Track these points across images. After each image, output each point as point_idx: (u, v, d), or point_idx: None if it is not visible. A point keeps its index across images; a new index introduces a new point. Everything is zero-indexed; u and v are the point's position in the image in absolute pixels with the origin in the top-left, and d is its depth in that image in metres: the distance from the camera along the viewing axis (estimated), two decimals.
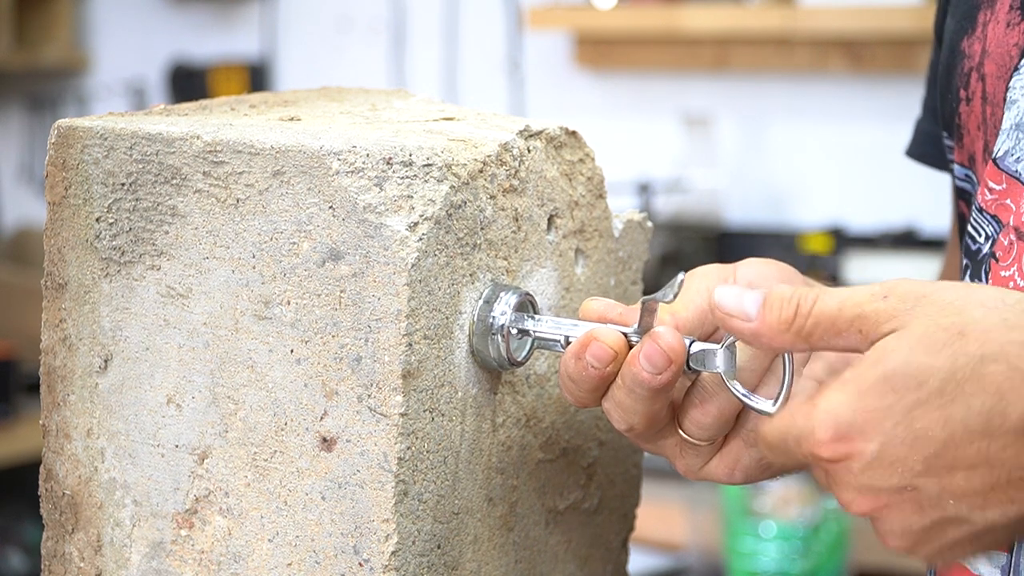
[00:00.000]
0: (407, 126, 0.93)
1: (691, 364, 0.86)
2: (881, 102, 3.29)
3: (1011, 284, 0.93)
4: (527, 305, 0.91)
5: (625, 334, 0.87)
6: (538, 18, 3.54)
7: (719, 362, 0.85)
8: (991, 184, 0.95)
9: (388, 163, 0.86)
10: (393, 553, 0.86)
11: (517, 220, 0.93)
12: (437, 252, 0.87)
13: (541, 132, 0.95)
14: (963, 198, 1.03)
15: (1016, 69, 0.95)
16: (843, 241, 3.25)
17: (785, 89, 3.45)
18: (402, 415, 0.86)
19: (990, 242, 0.95)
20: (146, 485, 0.93)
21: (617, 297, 1.02)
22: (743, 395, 0.85)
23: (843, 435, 0.78)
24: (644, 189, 3.32)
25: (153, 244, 0.92)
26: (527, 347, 0.91)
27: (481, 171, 0.89)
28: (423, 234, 0.86)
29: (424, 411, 0.87)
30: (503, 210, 0.91)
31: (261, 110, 0.99)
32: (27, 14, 4.22)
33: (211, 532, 0.91)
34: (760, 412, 0.84)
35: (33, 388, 3.35)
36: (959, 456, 0.77)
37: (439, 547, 0.89)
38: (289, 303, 0.88)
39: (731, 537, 2.64)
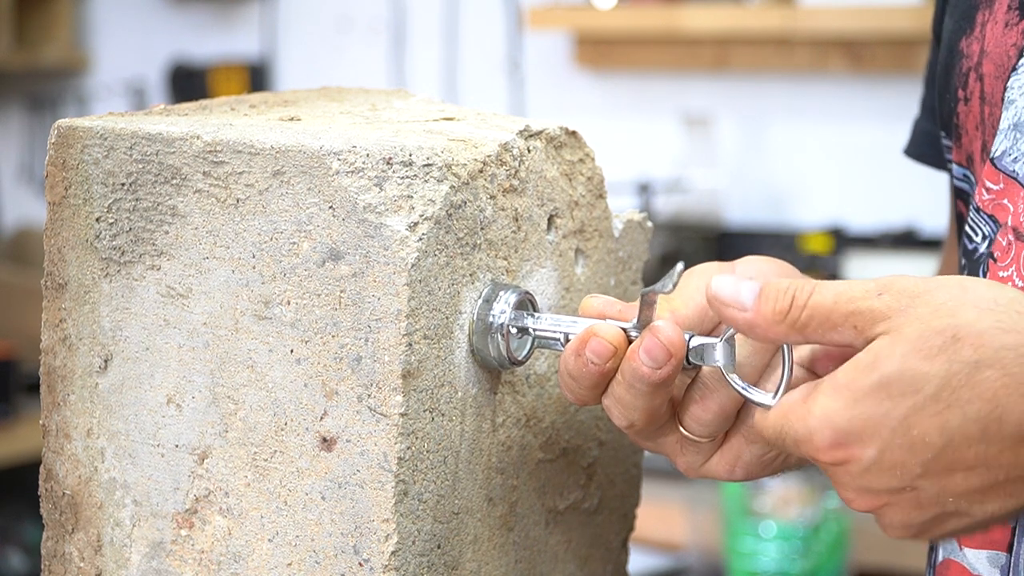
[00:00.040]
0: (407, 126, 0.93)
1: (690, 359, 0.86)
2: (881, 102, 3.29)
3: (1009, 284, 0.93)
4: (527, 304, 0.91)
5: (624, 329, 0.87)
6: (538, 18, 3.54)
7: (718, 356, 0.85)
8: (988, 184, 0.95)
9: (388, 163, 0.86)
10: (393, 553, 0.86)
11: (517, 220, 0.93)
12: (437, 252, 0.87)
13: (541, 132, 0.95)
14: (961, 198, 1.03)
15: (1014, 69, 0.95)
16: (843, 241, 3.25)
17: (785, 89, 3.45)
18: (402, 415, 0.86)
19: (987, 242, 0.95)
20: (146, 485, 0.93)
21: (617, 297, 1.02)
22: (742, 388, 0.85)
23: (840, 442, 0.78)
24: (644, 189, 3.32)
25: (153, 244, 0.92)
26: (527, 346, 0.91)
27: (481, 171, 0.89)
28: (423, 234, 0.86)
29: (424, 411, 0.87)
30: (503, 210, 0.91)
31: (261, 110, 0.99)
32: (27, 14, 4.22)
33: (211, 532, 0.92)
34: (760, 405, 0.84)
35: (33, 388, 3.36)
36: (957, 459, 0.77)
37: (439, 547, 0.89)
38: (289, 303, 0.88)
39: (731, 537, 2.64)
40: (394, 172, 0.86)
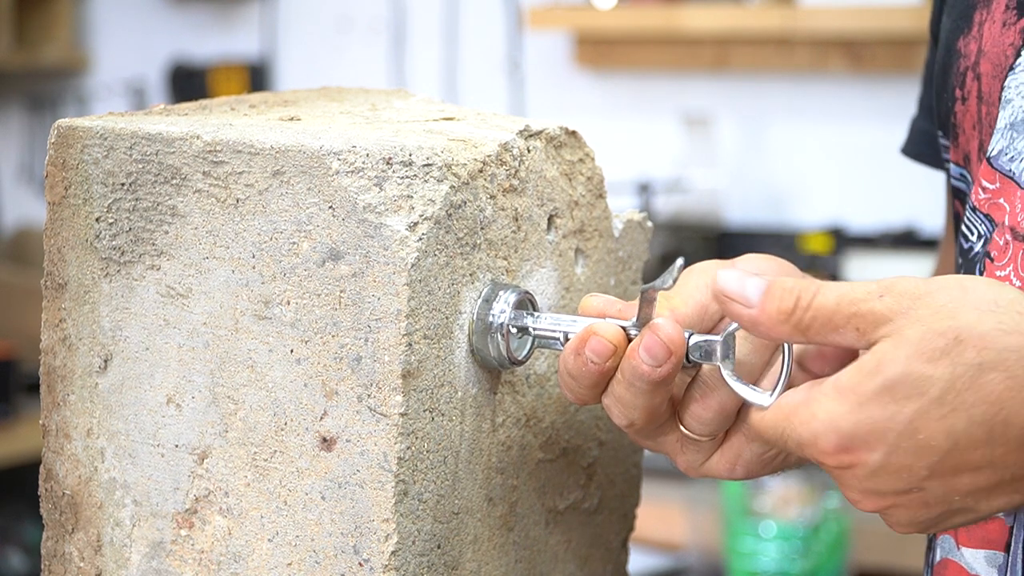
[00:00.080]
0: (407, 126, 0.93)
1: (690, 357, 0.86)
2: (881, 102, 3.29)
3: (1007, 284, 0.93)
4: (526, 303, 0.91)
5: (624, 328, 0.87)
6: (538, 18, 3.54)
7: (718, 354, 0.85)
8: (985, 183, 0.95)
9: (388, 163, 0.86)
10: (393, 553, 0.87)
11: (517, 220, 0.93)
12: (437, 252, 0.87)
13: (541, 132, 0.95)
14: (958, 197, 1.03)
15: (1012, 69, 0.95)
16: (843, 241, 3.25)
17: (785, 89, 3.45)
18: (402, 415, 0.86)
19: (983, 241, 0.95)
20: (146, 485, 0.93)
21: (617, 296, 1.02)
22: (739, 387, 0.85)
23: (846, 446, 0.78)
24: (644, 189, 3.32)
25: (153, 244, 0.92)
26: (527, 346, 0.91)
27: (481, 171, 0.89)
28: (423, 234, 0.86)
29: (424, 411, 0.87)
30: (503, 210, 0.91)
31: (261, 110, 0.99)
32: (27, 14, 4.22)
33: (211, 532, 0.92)
34: (757, 405, 0.84)
35: (33, 388, 3.36)
36: (963, 461, 0.78)
37: (439, 547, 0.89)
38: (289, 303, 0.88)
39: (731, 537, 2.64)
40: (394, 172, 0.86)
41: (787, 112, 3.46)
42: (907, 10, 3.14)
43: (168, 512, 0.93)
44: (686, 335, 0.85)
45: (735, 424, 0.89)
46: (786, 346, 0.84)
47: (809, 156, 3.44)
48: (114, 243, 0.93)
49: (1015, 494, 0.78)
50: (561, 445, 0.99)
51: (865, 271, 3.14)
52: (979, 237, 0.96)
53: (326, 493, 0.88)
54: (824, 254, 3.24)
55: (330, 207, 0.87)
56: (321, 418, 0.88)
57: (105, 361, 0.94)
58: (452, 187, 0.87)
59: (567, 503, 1.01)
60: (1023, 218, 0.93)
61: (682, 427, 0.89)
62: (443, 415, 0.88)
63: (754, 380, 0.87)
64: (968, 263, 0.97)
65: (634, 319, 0.87)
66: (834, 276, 3.18)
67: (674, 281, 0.85)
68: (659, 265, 3.12)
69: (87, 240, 0.94)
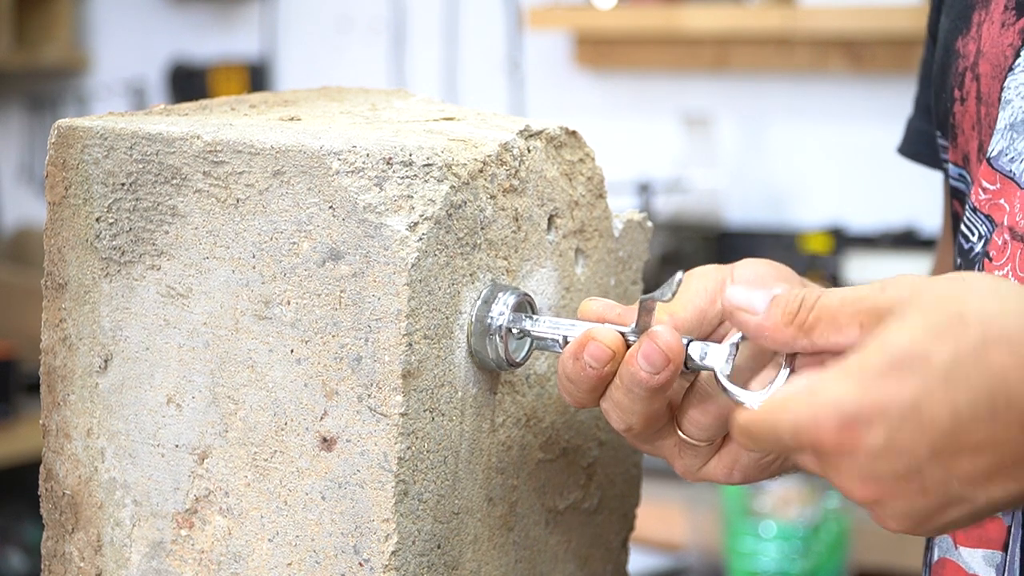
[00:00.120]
0: (407, 126, 0.93)
1: (688, 364, 0.86)
2: (881, 102, 3.29)
3: None
4: (525, 305, 0.91)
5: (623, 334, 0.87)
6: (538, 18, 3.54)
7: (715, 360, 0.85)
8: (985, 184, 0.95)
9: (388, 163, 0.86)
10: (393, 553, 0.87)
11: (517, 220, 0.93)
12: (437, 252, 0.87)
13: (541, 132, 0.95)
14: (957, 197, 1.03)
15: (1011, 69, 0.95)
16: (843, 241, 3.25)
17: (785, 89, 3.45)
18: (402, 415, 0.86)
19: (983, 241, 0.95)
20: (146, 485, 0.93)
21: (617, 297, 1.02)
22: (735, 389, 0.84)
23: (848, 424, 0.77)
24: (644, 189, 3.32)
25: (153, 244, 0.92)
26: (526, 348, 0.91)
27: (481, 171, 0.89)
28: (423, 234, 0.86)
29: (424, 411, 0.87)
30: (503, 210, 0.91)
31: (261, 110, 0.99)
32: (27, 14, 4.22)
33: (211, 532, 0.92)
34: (748, 405, 0.84)
35: (33, 388, 3.35)
36: (965, 440, 0.76)
37: (439, 547, 0.89)
38: (289, 303, 0.88)
39: (731, 537, 2.64)
40: (394, 172, 0.86)
41: (787, 112, 3.46)
42: (907, 10, 3.14)
43: (168, 512, 0.93)
44: (684, 341, 0.85)
45: None
46: (786, 357, 0.84)
47: (809, 156, 3.44)
48: (114, 243, 0.93)
49: (1012, 483, 0.77)
50: (561, 445, 0.99)
51: (865, 271, 3.14)
52: (980, 238, 0.96)
53: (326, 493, 0.88)
54: (824, 254, 3.24)
55: (330, 207, 0.87)
56: (321, 418, 0.88)
57: (105, 361, 0.94)
58: (452, 187, 0.87)
59: (567, 503, 1.01)
60: (1021, 218, 0.93)
61: (680, 432, 0.89)
62: (443, 415, 0.88)
63: (745, 387, 0.87)
64: (968, 263, 0.97)
65: (633, 326, 0.87)
66: (834, 276, 3.18)
67: (673, 294, 0.85)
68: (659, 265, 3.12)
69: (87, 240, 0.94)
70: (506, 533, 0.96)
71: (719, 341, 0.87)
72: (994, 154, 0.95)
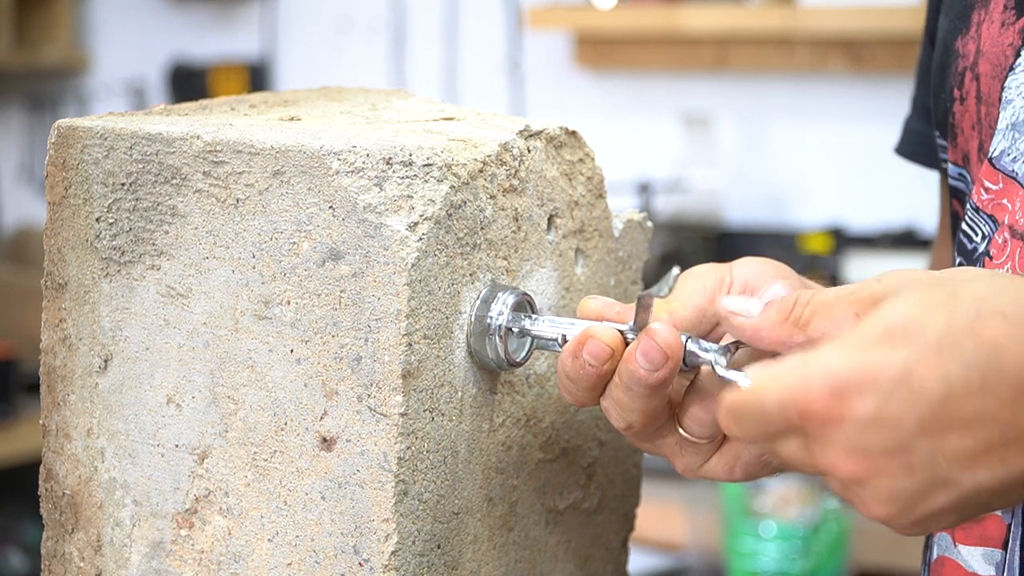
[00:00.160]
0: (407, 126, 0.93)
1: (687, 361, 0.86)
2: (881, 102, 3.29)
3: None
4: (525, 305, 0.91)
5: (622, 332, 0.87)
6: (538, 18, 3.54)
7: (715, 354, 0.85)
8: (987, 184, 0.95)
9: (388, 163, 0.86)
10: (393, 553, 0.87)
11: (517, 220, 0.93)
12: (437, 252, 0.87)
13: (541, 132, 0.95)
14: (956, 197, 1.03)
15: (1011, 69, 0.95)
16: (843, 241, 3.25)
17: (785, 89, 3.45)
18: (402, 415, 0.86)
19: (986, 241, 0.95)
20: (146, 485, 0.93)
21: (617, 297, 1.02)
22: (730, 376, 0.84)
23: (840, 391, 0.76)
24: (644, 189, 3.32)
25: (153, 244, 0.92)
26: (526, 348, 0.91)
27: (481, 171, 0.89)
28: (423, 234, 0.86)
29: (424, 411, 0.87)
30: (503, 210, 0.91)
31: (261, 110, 0.99)
32: (27, 14, 4.22)
33: (211, 532, 0.92)
34: (732, 382, 0.83)
35: (33, 388, 3.35)
36: (955, 415, 0.75)
37: (439, 547, 0.89)
38: (289, 303, 0.88)
39: (731, 537, 2.64)
40: (394, 172, 0.86)
41: (787, 112, 3.46)
42: (907, 10, 3.14)
43: (168, 512, 0.93)
44: (683, 339, 0.85)
45: None
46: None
47: (809, 156, 3.44)
48: (114, 243, 0.93)
49: (999, 465, 0.76)
50: (561, 445, 0.99)
51: (865, 271, 3.14)
52: (983, 237, 0.96)
53: (326, 493, 0.88)
54: (824, 254, 3.24)
55: (330, 207, 0.87)
56: (321, 418, 0.88)
57: (105, 361, 0.94)
58: (452, 187, 0.87)
59: (567, 503, 1.01)
60: (1021, 217, 0.93)
61: (681, 430, 0.89)
62: (443, 415, 0.88)
63: None
64: (969, 263, 0.97)
65: (631, 324, 0.87)
66: (834, 276, 3.18)
67: (670, 290, 0.85)
68: (659, 265, 3.12)
69: (87, 240, 0.94)
70: (506, 533, 0.96)
71: (717, 341, 0.87)
72: (996, 154, 0.95)
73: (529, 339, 0.91)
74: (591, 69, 3.66)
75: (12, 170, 4.41)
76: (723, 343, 0.86)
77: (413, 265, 0.85)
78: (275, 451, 0.89)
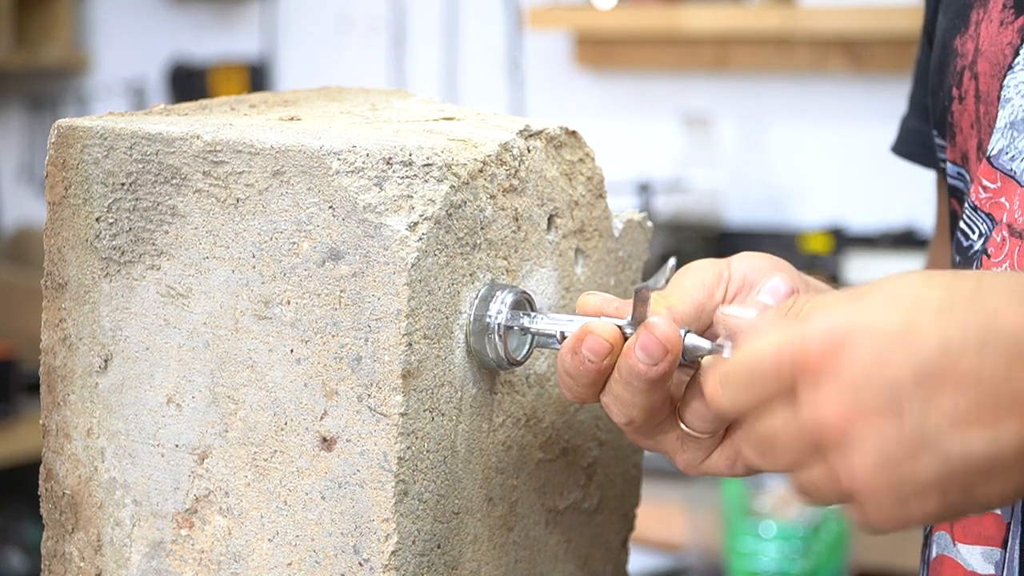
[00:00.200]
0: (407, 126, 0.93)
1: (687, 355, 0.86)
2: (881, 102, 3.29)
3: None
4: (524, 303, 0.91)
5: (620, 327, 0.87)
6: (538, 18, 3.54)
7: (722, 340, 0.85)
8: (985, 182, 0.96)
9: (388, 163, 0.86)
10: (393, 553, 0.87)
11: (517, 220, 0.93)
12: (437, 252, 0.87)
13: (541, 132, 0.95)
14: (955, 196, 1.03)
15: (1010, 68, 0.95)
16: (843, 241, 3.25)
17: (785, 89, 3.46)
18: (402, 415, 0.86)
19: (983, 239, 0.95)
20: (146, 485, 0.93)
21: (617, 296, 1.02)
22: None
23: (837, 341, 0.75)
24: (644, 189, 3.32)
25: (153, 244, 0.92)
26: (526, 346, 0.91)
27: (481, 171, 0.89)
28: (423, 234, 0.86)
29: (424, 411, 0.87)
30: (503, 210, 0.91)
31: (261, 110, 0.99)
32: (27, 14, 4.22)
33: (211, 532, 0.92)
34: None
35: (33, 388, 3.36)
36: (950, 373, 0.74)
37: (439, 547, 0.89)
38: (289, 303, 0.88)
39: (731, 537, 2.64)
40: (394, 172, 0.86)
41: (787, 112, 3.46)
42: (907, 10, 3.14)
43: (168, 512, 0.93)
44: (682, 333, 0.85)
45: (735, 420, 0.89)
46: None
47: (809, 156, 3.44)
48: (114, 243, 0.93)
49: (988, 431, 0.74)
50: (561, 445, 0.99)
51: (865, 271, 3.14)
52: (980, 236, 0.96)
53: (326, 493, 0.88)
54: (824, 254, 3.24)
55: (330, 207, 0.87)
56: (321, 418, 0.88)
57: (105, 361, 0.94)
58: (452, 187, 0.87)
59: (567, 503, 1.01)
60: (1020, 215, 0.93)
61: (683, 424, 0.89)
62: (443, 415, 0.89)
63: None
64: (966, 261, 0.97)
65: (629, 318, 0.87)
66: (834, 276, 3.18)
67: (667, 281, 0.85)
68: (658, 265, 3.12)
69: (87, 240, 0.94)
70: (506, 533, 0.96)
71: (715, 337, 0.87)
72: (994, 152, 0.95)
73: (529, 337, 0.91)
74: (591, 69, 3.66)
75: (12, 170, 4.42)
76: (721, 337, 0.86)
77: (413, 265, 0.85)
78: (275, 451, 0.89)
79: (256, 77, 4.09)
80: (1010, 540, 0.92)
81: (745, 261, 0.91)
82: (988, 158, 0.96)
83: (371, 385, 0.86)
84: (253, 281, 0.89)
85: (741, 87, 3.50)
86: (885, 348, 0.75)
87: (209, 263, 0.90)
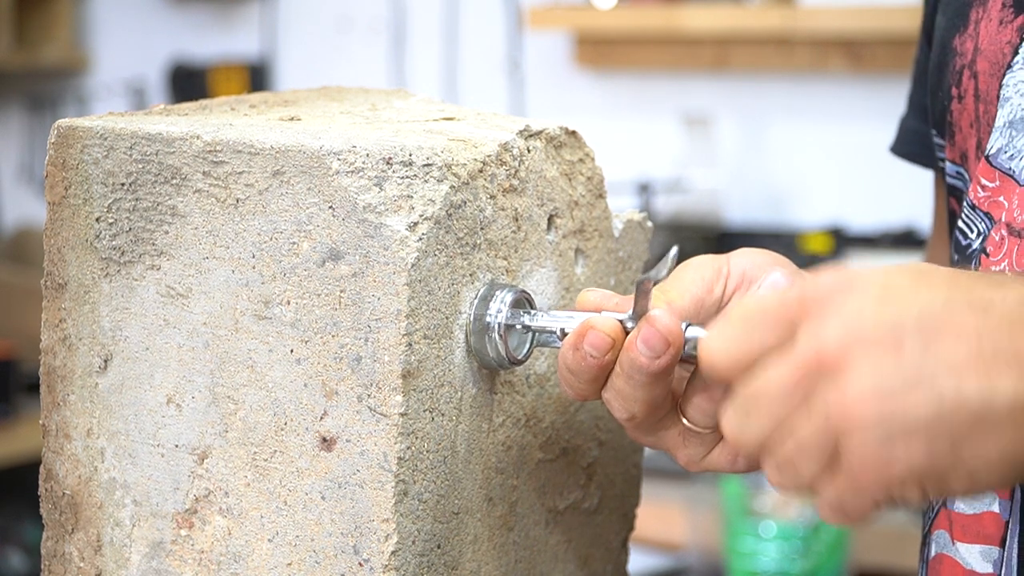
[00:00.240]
0: (407, 126, 0.93)
1: (688, 349, 0.86)
2: (881, 102, 3.29)
3: None
4: (523, 302, 0.91)
5: (621, 321, 0.87)
6: (538, 18, 3.54)
7: None
8: (984, 181, 0.96)
9: (388, 163, 0.86)
10: (393, 553, 0.87)
11: (517, 220, 0.93)
12: (437, 252, 0.87)
13: (541, 132, 0.95)
14: (954, 195, 1.03)
15: (1009, 67, 0.95)
16: (843, 241, 3.25)
17: (785, 89, 3.46)
18: (402, 415, 0.86)
19: (981, 238, 0.96)
20: (146, 485, 0.93)
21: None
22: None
23: (844, 285, 0.76)
24: (644, 189, 3.32)
25: (153, 244, 0.92)
26: (526, 345, 0.91)
27: (481, 171, 0.89)
28: (423, 234, 0.86)
29: (424, 411, 0.87)
30: (503, 210, 0.92)
31: (261, 110, 0.99)
32: (27, 14, 4.22)
33: (211, 532, 0.92)
34: None
35: (33, 388, 3.35)
36: (952, 325, 0.74)
37: (439, 547, 0.89)
38: (289, 303, 0.88)
39: (731, 537, 2.64)
40: (394, 172, 0.86)
41: (787, 112, 3.46)
42: (907, 10, 3.14)
43: (168, 512, 0.93)
44: (683, 326, 0.85)
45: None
46: None
47: (809, 156, 3.44)
48: (114, 243, 0.93)
49: (983, 379, 0.74)
50: (561, 445, 0.99)
51: None
52: (979, 235, 0.96)
53: (326, 493, 0.88)
54: (824, 254, 3.24)
55: (330, 207, 0.87)
56: (321, 418, 0.88)
57: (105, 361, 0.94)
58: (452, 187, 0.87)
59: (567, 503, 1.01)
60: (1019, 214, 0.93)
61: (685, 420, 0.89)
62: (443, 415, 0.89)
63: None
64: (965, 260, 0.97)
65: (630, 312, 0.87)
66: None
67: (668, 271, 0.85)
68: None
69: (87, 240, 0.94)
70: (506, 533, 0.96)
71: None
72: (993, 151, 0.95)
73: (529, 336, 0.91)
74: (591, 69, 3.66)
75: (12, 170, 4.42)
76: None
77: (413, 265, 0.85)
78: (275, 451, 0.89)
79: (256, 77, 4.09)
80: (1008, 539, 0.92)
81: (744, 257, 0.91)
82: (987, 157, 0.96)
83: (371, 385, 0.86)
84: (253, 281, 0.89)
85: (741, 87, 3.50)
86: (892, 294, 0.75)
87: (209, 263, 0.90)
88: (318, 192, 0.87)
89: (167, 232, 0.92)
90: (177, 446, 0.92)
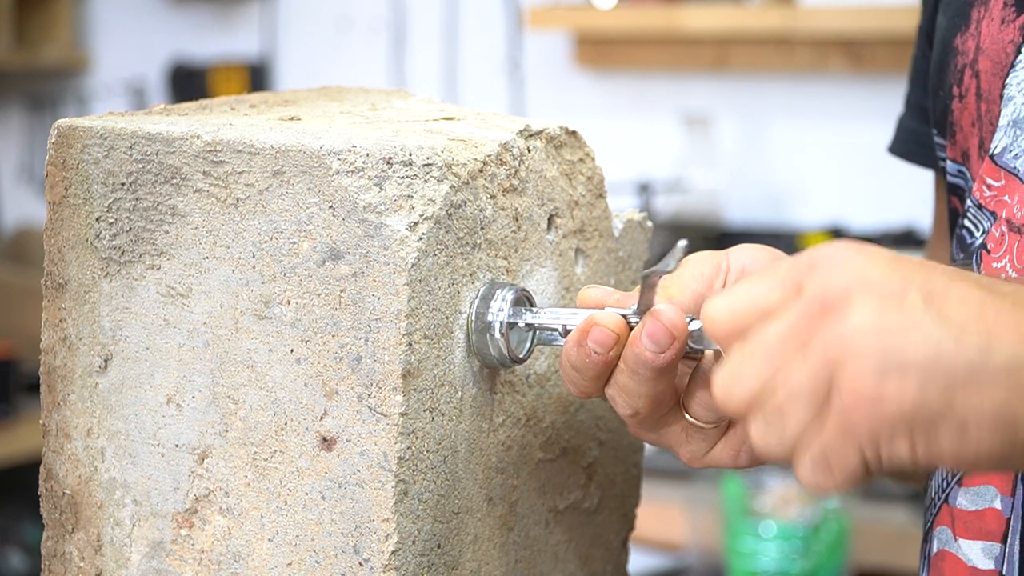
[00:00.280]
0: (407, 126, 0.93)
1: (691, 343, 0.86)
2: (881, 102, 3.29)
3: (1003, 276, 0.93)
4: (524, 301, 0.91)
5: (624, 316, 0.87)
6: (538, 18, 3.54)
7: None
8: (989, 180, 0.96)
9: (388, 163, 0.86)
10: (393, 553, 0.87)
11: (517, 220, 0.93)
12: (437, 252, 0.87)
13: (541, 132, 0.95)
14: (955, 194, 1.03)
15: (1012, 66, 0.95)
16: None
17: (785, 89, 3.45)
18: (402, 415, 0.86)
19: (983, 235, 0.96)
20: (146, 485, 0.93)
21: None
22: None
23: (858, 246, 0.77)
24: (644, 189, 3.32)
25: (153, 244, 0.92)
26: (527, 344, 0.91)
27: (481, 171, 0.89)
28: (423, 234, 0.86)
29: (424, 411, 0.87)
30: (503, 210, 0.91)
31: (261, 110, 0.99)
32: (27, 14, 4.22)
33: (211, 532, 0.92)
34: None
35: (33, 388, 3.36)
36: (956, 291, 0.75)
37: (439, 547, 0.89)
38: (289, 303, 0.88)
39: (731, 537, 2.64)
40: (394, 172, 0.86)
41: (787, 112, 3.46)
42: (907, 10, 3.14)
43: (168, 512, 0.93)
44: (687, 320, 0.85)
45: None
46: None
47: (809, 156, 3.44)
48: (114, 243, 0.93)
49: (986, 337, 0.74)
50: (561, 445, 0.99)
51: None
52: (984, 233, 0.96)
53: (326, 493, 0.88)
54: None
55: (330, 207, 0.87)
56: (321, 418, 0.88)
57: (105, 361, 0.94)
58: (452, 187, 0.87)
59: (567, 503, 1.01)
60: (1019, 210, 0.93)
61: (688, 415, 0.89)
62: (443, 415, 0.88)
63: None
64: (969, 258, 0.97)
65: (634, 307, 0.86)
66: None
67: (677, 263, 0.84)
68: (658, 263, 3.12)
69: (87, 240, 0.94)
70: (506, 533, 0.96)
71: None
72: (997, 151, 0.95)
73: (530, 334, 0.91)
74: (591, 69, 3.66)
75: (12, 170, 4.42)
76: None
77: (413, 265, 0.85)
78: (275, 451, 0.89)
79: (256, 77, 4.08)
80: (1010, 535, 0.92)
81: (744, 253, 0.91)
82: (991, 156, 0.96)
83: (371, 385, 0.86)
84: (253, 281, 0.89)
85: (741, 87, 3.50)
86: (901, 263, 0.76)
87: (209, 263, 0.90)
88: (318, 192, 0.87)
89: (167, 232, 0.92)
90: (177, 446, 0.92)
